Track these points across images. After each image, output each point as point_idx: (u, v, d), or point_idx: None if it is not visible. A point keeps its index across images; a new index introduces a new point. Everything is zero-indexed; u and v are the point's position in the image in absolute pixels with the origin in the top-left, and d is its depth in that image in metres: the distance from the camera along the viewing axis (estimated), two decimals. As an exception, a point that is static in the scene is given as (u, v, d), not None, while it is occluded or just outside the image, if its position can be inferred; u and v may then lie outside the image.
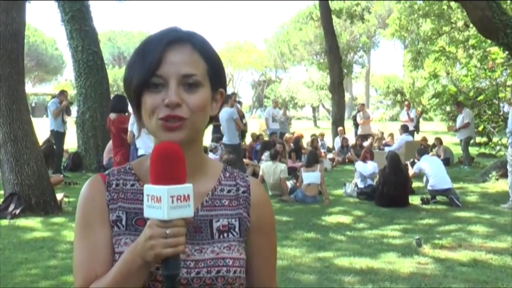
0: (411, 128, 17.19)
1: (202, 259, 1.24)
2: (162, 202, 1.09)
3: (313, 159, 10.06)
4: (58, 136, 12.65)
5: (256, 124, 24.55)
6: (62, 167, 13.63)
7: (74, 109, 15.19)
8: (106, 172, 1.34)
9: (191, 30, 1.30)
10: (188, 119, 1.20)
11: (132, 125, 8.51)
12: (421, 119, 29.23)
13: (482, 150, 17.27)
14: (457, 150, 16.12)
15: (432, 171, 9.58)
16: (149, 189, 1.12)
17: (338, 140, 17.25)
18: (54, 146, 14.27)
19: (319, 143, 15.84)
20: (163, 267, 1.13)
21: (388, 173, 9.43)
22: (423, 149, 11.62)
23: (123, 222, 1.26)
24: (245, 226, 1.32)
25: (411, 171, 10.42)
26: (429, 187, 9.62)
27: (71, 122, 15.03)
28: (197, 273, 1.23)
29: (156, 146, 1.16)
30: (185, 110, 1.20)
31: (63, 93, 12.77)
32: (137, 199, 1.27)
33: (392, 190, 9.21)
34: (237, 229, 1.30)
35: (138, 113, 1.27)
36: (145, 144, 7.92)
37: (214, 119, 1.34)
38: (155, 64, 1.20)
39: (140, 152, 8.06)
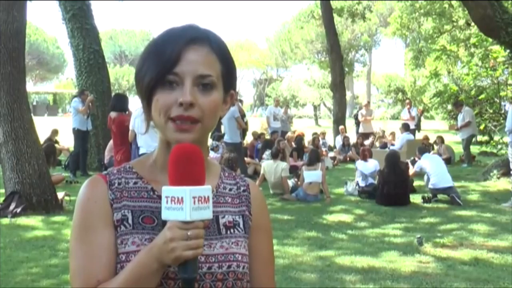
0: (412, 126, 17.18)
1: (212, 254, 1.23)
2: (184, 203, 1.08)
3: (315, 158, 10.06)
4: (79, 134, 12.38)
5: (257, 123, 24.51)
6: (63, 166, 13.65)
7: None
8: (105, 172, 1.31)
9: (208, 29, 1.28)
10: (200, 122, 1.19)
11: (133, 124, 8.51)
12: (422, 118, 29.23)
13: (484, 148, 17.26)
14: (459, 149, 16.11)
15: (433, 170, 9.57)
16: (169, 190, 1.11)
17: (339, 138, 17.26)
18: (56, 145, 14.30)
19: (321, 142, 15.83)
20: (181, 270, 1.11)
21: (387, 173, 9.42)
22: (424, 147, 11.57)
23: (130, 221, 1.22)
24: (248, 223, 1.33)
25: (412, 170, 10.41)
26: (430, 186, 9.60)
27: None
28: (209, 268, 1.22)
29: (175, 147, 1.14)
30: (198, 111, 1.19)
31: (83, 92, 12.72)
32: (142, 197, 1.26)
33: (392, 190, 9.20)
34: (241, 226, 1.31)
35: (148, 109, 1.24)
36: (146, 143, 7.93)
37: (220, 119, 1.33)
38: (172, 61, 1.19)
39: (141, 151, 8.07)
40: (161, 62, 1.19)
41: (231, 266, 1.24)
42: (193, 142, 1.18)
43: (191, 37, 1.22)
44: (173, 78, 1.19)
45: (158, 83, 1.20)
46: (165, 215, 1.11)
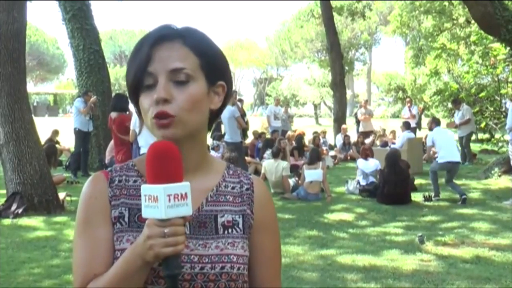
0: (413, 125, 17.16)
1: (206, 254, 1.24)
2: (159, 201, 1.09)
3: (315, 157, 10.05)
4: (80, 135, 12.42)
5: (258, 122, 24.50)
6: (64, 167, 13.65)
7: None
8: (109, 169, 1.33)
9: (186, 26, 1.29)
10: (176, 116, 1.20)
11: (134, 124, 8.52)
12: (423, 116, 29.20)
13: (485, 146, 17.25)
14: (459, 147, 16.11)
15: (443, 143, 9.60)
16: (146, 189, 1.12)
17: (340, 137, 17.24)
18: (57, 145, 14.31)
19: (321, 141, 15.82)
20: (164, 267, 1.12)
21: (388, 173, 9.41)
22: (438, 120, 11.19)
23: (126, 219, 1.25)
24: (248, 223, 1.31)
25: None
26: (438, 160, 9.59)
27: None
28: (201, 268, 1.22)
29: (150, 146, 1.15)
30: (174, 106, 1.20)
31: (87, 93, 12.74)
32: (140, 195, 1.25)
33: (393, 189, 9.18)
34: (240, 226, 1.30)
35: (139, 111, 1.28)
36: (147, 142, 7.92)
37: (218, 114, 1.33)
38: (144, 62, 1.21)
39: (142, 151, 8.07)
40: (136, 64, 1.23)
41: (224, 267, 1.24)
42: (179, 137, 1.21)
43: (161, 35, 1.24)
44: (149, 79, 1.21)
45: (140, 86, 1.23)
46: (144, 213, 1.13)
